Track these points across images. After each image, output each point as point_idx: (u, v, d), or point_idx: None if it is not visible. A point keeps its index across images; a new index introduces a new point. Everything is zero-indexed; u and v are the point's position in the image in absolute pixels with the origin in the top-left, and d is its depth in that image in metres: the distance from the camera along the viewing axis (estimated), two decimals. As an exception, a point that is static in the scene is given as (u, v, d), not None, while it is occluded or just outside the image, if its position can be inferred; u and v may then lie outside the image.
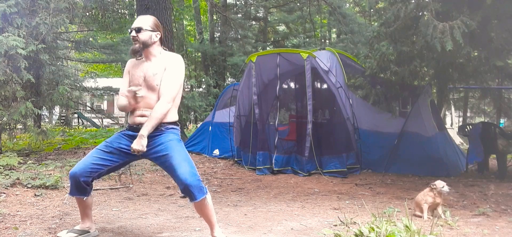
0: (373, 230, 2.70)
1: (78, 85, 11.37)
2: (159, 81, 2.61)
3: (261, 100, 6.63)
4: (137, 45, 2.65)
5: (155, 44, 2.68)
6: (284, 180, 5.70)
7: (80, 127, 19.71)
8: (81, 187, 2.63)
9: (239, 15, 15.98)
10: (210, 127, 7.97)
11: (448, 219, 3.39)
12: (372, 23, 10.90)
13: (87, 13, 10.92)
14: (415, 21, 5.53)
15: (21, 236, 2.83)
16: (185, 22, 19.30)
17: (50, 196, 4.06)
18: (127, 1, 13.75)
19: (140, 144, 2.50)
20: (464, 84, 7.82)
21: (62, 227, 3.03)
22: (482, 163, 6.37)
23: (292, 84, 7.69)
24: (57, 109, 17.73)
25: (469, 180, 5.63)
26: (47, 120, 17.65)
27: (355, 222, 3.26)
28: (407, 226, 2.74)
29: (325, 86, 6.64)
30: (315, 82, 6.74)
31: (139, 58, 2.72)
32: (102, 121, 20.05)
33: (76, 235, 2.75)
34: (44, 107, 7.46)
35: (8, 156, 5.12)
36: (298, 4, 14.99)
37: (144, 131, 2.52)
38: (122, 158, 2.68)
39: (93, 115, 19.54)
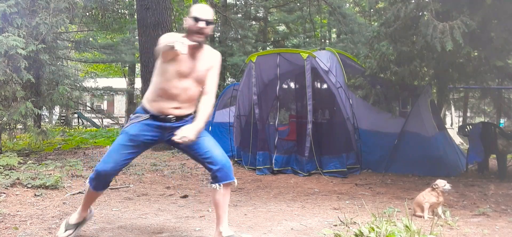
0: (373, 230, 2.70)
1: (78, 85, 11.40)
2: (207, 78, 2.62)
3: (261, 100, 6.63)
4: (202, 39, 2.52)
5: None
6: (284, 180, 5.69)
7: (80, 127, 19.71)
8: (108, 183, 2.69)
9: (239, 15, 15.94)
10: (210, 127, 7.97)
11: (448, 219, 3.39)
12: (372, 23, 10.91)
13: (87, 13, 10.95)
14: (415, 21, 5.53)
15: (21, 236, 2.83)
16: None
17: (50, 196, 4.06)
18: (127, 1, 13.77)
19: (196, 135, 2.45)
20: (464, 84, 7.83)
21: (62, 227, 3.03)
22: (482, 163, 6.37)
23: (292, 84, 7.69)
24: (57, 109, 17.72)
25: (469, 180, 5.63)
26: (47, 120, 17.65)
27: (355, 222, 3.26)
28: (407, 226, 2.74)
29: (325, 86, 6.64)
30: (315, 82, 6.73)
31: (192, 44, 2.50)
32: (102, 121, 20.07)
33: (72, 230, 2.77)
34: (44, 107, 7.46)
35: (8, 156, 5.12)
36: (298, 4, 14.96)
37: (202, 123, 2.51)
38: (143, 148, 2.71)
39: (93, 115, 19.57)
